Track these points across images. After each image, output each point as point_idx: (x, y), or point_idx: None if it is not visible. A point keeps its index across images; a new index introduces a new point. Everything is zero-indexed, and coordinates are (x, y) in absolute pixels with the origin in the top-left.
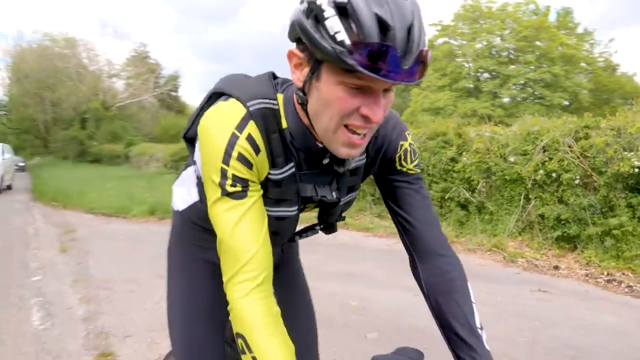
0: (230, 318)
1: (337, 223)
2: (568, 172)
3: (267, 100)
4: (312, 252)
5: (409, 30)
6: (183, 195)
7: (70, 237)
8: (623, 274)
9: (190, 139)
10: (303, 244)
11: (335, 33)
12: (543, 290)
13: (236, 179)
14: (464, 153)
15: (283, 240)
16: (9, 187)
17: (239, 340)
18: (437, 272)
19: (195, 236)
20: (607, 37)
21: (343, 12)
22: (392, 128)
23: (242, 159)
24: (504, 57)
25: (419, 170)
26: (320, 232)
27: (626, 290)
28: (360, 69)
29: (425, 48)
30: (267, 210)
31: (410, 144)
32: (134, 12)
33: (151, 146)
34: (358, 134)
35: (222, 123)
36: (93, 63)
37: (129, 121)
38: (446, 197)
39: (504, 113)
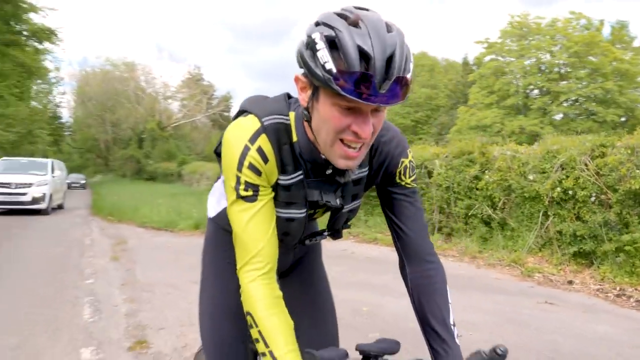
0: (241, 299)
1: (347, 230)
2: (583, 189)
3: (280, 117)
4: (340, 264)
5: (390, 59)
6: (214, 204)
7: (121, 248)
8: (635, 289)
9: (220, 154)
10: (333, 256)
11: (325, 62)
12: (550, 303)
13: (248, 185)
14: (486, 171)
15: (294, 241)
16: (59, 207)
17: (248, 317)
18: (422, 275)
19: (224, 241)
20: None
21: (332, 44)
22: (395, 146)
23: (252, 167)
24: (554, 74)
25: (415, 185)
26: (328, 237)
27: (634, 304)
28: (343, 93)
29: (407, 75)
30: (278, 212)
31: (410, 161)
32: (190, 35)
33: (202, 165)
34: (353, 148)
35: (238, 135)
36: (150, 85)
37: (183, 140)
38: (470, 214)
39: (553, 130)
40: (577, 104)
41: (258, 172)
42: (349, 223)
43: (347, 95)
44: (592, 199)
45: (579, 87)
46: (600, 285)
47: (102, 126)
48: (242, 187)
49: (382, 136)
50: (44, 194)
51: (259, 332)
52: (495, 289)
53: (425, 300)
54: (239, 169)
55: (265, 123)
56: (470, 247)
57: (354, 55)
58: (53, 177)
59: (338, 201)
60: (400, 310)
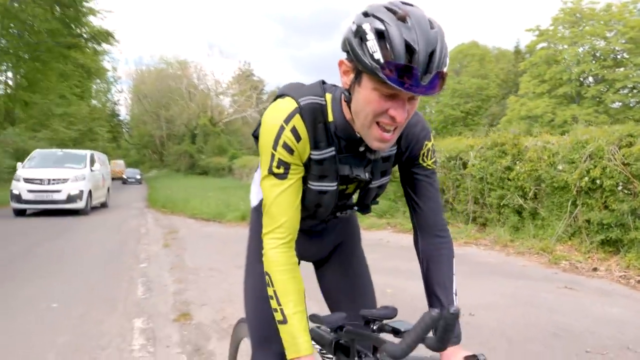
0: (263, 260)
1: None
2: (610, 178)
3: (315, 97)
4: (375, 252)
5: (431, 54)
6: (256, 192)
7: (172, 236)
8: None
9: (257, 136)
10: (370, 244)
11: (373, 52)
12: (569, 288)
13: (280, 162)
14: (517, 162)
15: (326, 213)
16: (103, 205)
17: (266, 277)
18: (432, 247)
19: None
20: None
21: (381, 36)
22: (420, 129)
23: (286, 146)
24: (610, 61)
25: (435, 167)
26: (357, 211)
27: None
28: (389, 81)
29: (444, 70)
30: (311, 185)
31: (432, 144)
32: (240, 30)
33: (252, 159)
34: (387, 131)
35: (275, 116)
36: (202, 82)
37: (234, 135)
38: (502, 204)
39: (609, 119)
40: (634, 91)
41: (291, 151)
42: (377, 199)
43: (392, 84)
44: (619, 188)
45: (637, 74)
46: (624, 272)
47: (157, 122)
48: (275, 164)
49: (411, 119)
50: (81, 190)
51: (274, 291)
52: (519, 275)
53: (433, 269)
54: (274, 147)
55: (302, 103)
56: (503, 236)
57: (400, 48)
58: (92, 171)
59: (367, 175)
60: (419, 292)
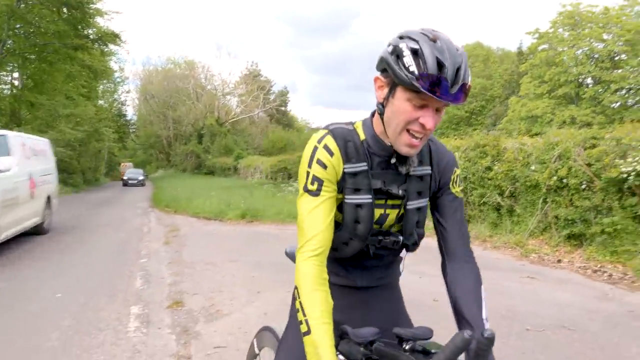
0: (296, 275)
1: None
2: (575, 177)
3: (343, 125)
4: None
5: (458, 69)
6: None
7: (174, 234)
8: (614, 266)
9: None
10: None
11: (409, 66)
12: (531, 277)
13: (315, 178)
14: (496, 162)
15: (365, 230)
16: (37, 232)
17: (295, 291)
18: (460, 274)
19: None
20: None
21: (415, 53)
22: (449, 158)
23: (319, 162)
24: (607, 62)
25: (462, 195)
26: (402, 244)
27: (606, 278)
28: (423, 90)
29: (468, 83)
30: (347, 199)
31: (459, 173)
32: (249, 31)
33: (256, 159)
34: (416, 138)
35: (310, 142)
36: (209, 82)
37: (241, 135)
38: (483, 202)
39: (605, 120)
40: (630, 92)
41: (324, 166)
42: (422, 231)
43: (425, 92)
44: (583, 186)
45: (634, 76)
46: (585, 263)
47: (164, 123)
48: (309, 181)
49: (436, 146)
50: None
51: (301, 302)
52: (490, 267)
53: (461, 295)
54: (309, 165)
55: (331, 128)
56: (483, 232)
57: (432, 63)
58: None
59: (400, 191)
60: (420, 286)
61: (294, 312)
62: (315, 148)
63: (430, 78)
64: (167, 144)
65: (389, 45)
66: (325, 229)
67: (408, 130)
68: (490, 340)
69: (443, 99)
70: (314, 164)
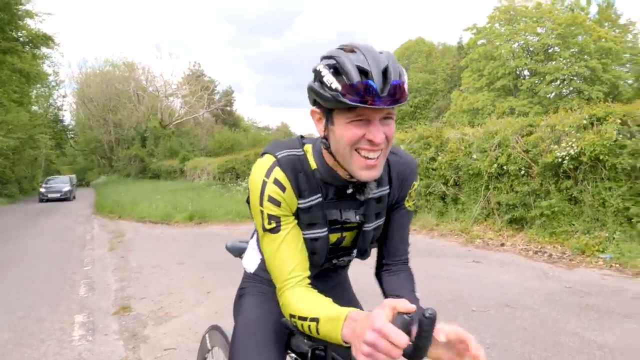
0: (284, 310)
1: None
2: (514, 164)
3: (293, 150)
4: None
5: (385, 70)
6: (252, 256)
7: (118, 240)
8: (553, 246)
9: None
10: None
11: (331, 84)
12: (476, 262)
13: (270, 217)
14: (440, 153)
15: (321, 259)
16: None
17: (292, 320)
18: (396, 280)
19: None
20: None
21: (335, 70)
22: (410, 171)
23: (271, 199)
24: (542, 55)
25: (413, 209)
26: (355, 257)
27: (546, 258)
28: (351, 103)
29: (401, 80)
30: (303, 234)
31: (419, 185)
32: (189, 30)
33: (203, 160)
34: (370, 158)
35: (256, 174)
36: (151, 84)
37: (186, 137)
38: (428, 192)
39: (542, 110)
40: (564, 83)
41: (277, 203)
42: (374, 243)
43: (355, 104)
44: (522, 172)
45: (563, 68)
46: (526, 245)
47: (105, 127)
48: (266, 221)
49: (396, 158)
50: None
51: (299, 317)
52: (437, 254)
53: (394, 287)
54: (261, 204)
55: (279, 157)
56: (430, 221)
57: (354, 72)
58: None
59: (358, 218)
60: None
61: (236, 314)
62: (264, 183)
63: (355, 88)
64: (109, 148)
65: (312, 73)
66: (299, 258)
67: (358, 152)
68: (432, 320)
69: (377, 105)
70: (266, 202)
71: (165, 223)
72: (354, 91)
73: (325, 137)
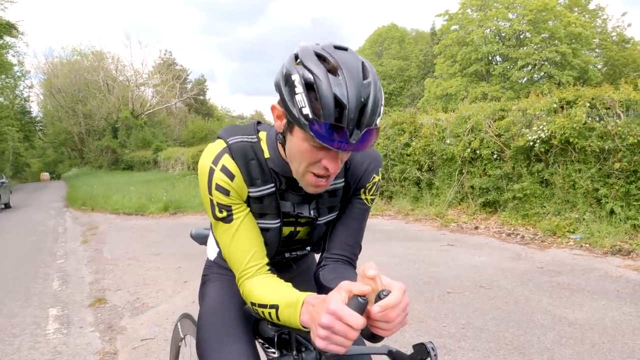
0: (245, 299)
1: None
2: (487, 148)
3: (245, 136)
4: None
5: (363, 108)
6: (214, 244)
7: (92, 232)
8: (526, 228)
9: None
10: None
11: (302, 107)
12: (451, 245)
13: (221, 206)
14: (414, 138)
15: (272, 251)
16: None
17: (253, 307)
18: (340, 276)
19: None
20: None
21: (310, 88)
22: (369, 163)
23: (219, 188)
24: (513, 40)
25: (370, 205)
26: (309, 250)
27: (519, 240)
28: (317, 139)
29: (374, 126)
30: None
31: (379, 179)
32: (159, 18)
33: (176, 150)
34: (323, 178)
35: (204, 159)
36: (121, 74)
37: (159, 127)
38: (403, 177)
39: (514, 94)
40: (535, 68)
41: (226, 192)
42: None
43: (320, 142)
44: (495, 156)
45: (536, 52)
46: (499, 228)
47: (74, 118)
48: (216, 209)
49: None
50: None
51: (259, 304)
52: (413, 238)
53: (331, 273)
54: (209, 192)
55: (230, 142)
56: (405, 206)
57: (330, 104)
58: None
59: (312, 213)
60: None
61: (201, 302)
62: (212, 170)
63: (326, 125)
64: (80, 140)
65: (283, 67)
66: (255, 244)
67: (312, 171)
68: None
69: (343, 149)
70: (214, 191)
71: (139, 214)
72: (325, 126)
73: (283, 135)
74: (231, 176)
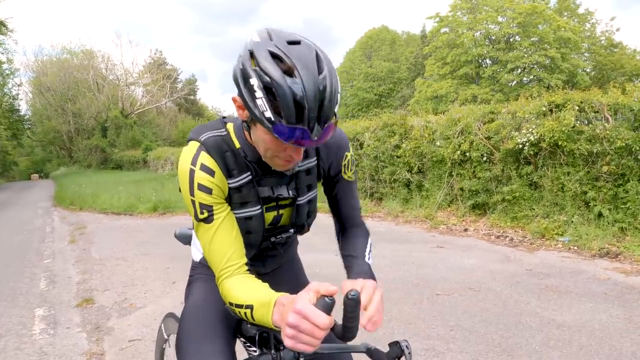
0: (224, 299)
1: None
2: (477, 151)
3: (215, 131)
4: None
5: (321, 104)
6: (198, 246)
7: (80, 232)
8: (515, 231)
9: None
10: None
11: (264, 111)
12: (440, 247)
13: (202, 206)
14: (404, 140)
15: (258, 238)
16: None
17: (231, 307)
18: (351, 234)
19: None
20: (613, 15)
21: (269, 92)
22: (339, 143)
23: (202, 187)
24: (503, 44)
25: (354, 178)
26: (293, 233)
27: (507, 242)
28: (281, 139)
29: (332, 121)
30: (235, 213)
31: (352, 155)
32: (150, 18)
33: (166, 150)
34: (289, 162)
35: (183, 162)
36: (111, 73)
37: (149, 127)
38: (393, 179)
39: (503, 97)
40: (524, 71)
41: (209, 191)
42: (311, 217)
43: (284, 142)
44: (484, 158)
45: (525, 56)
46: (489, 230)
47: (63, 117)
48: (198, 210)
49: None
50: None
51: (236, 304)
52: (402, 240)
53: (348, 246)
54: (192, 193)
55: (203, 140)
56: (395, 207)
57: (290, 106)
58: None
59: (290, 192)
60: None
61: (185, 301)
62: (192, 171)
63: (289, 125)
64: (68, 139)
65: (240, 65)
66: (234, 243)
67: (278, 157)
68: (355, 301)
69: (304, 145)
70: (197, 192)
71: (128, 214)
72: (287, 130)
73: (247, 123)
74: (211, 172)
